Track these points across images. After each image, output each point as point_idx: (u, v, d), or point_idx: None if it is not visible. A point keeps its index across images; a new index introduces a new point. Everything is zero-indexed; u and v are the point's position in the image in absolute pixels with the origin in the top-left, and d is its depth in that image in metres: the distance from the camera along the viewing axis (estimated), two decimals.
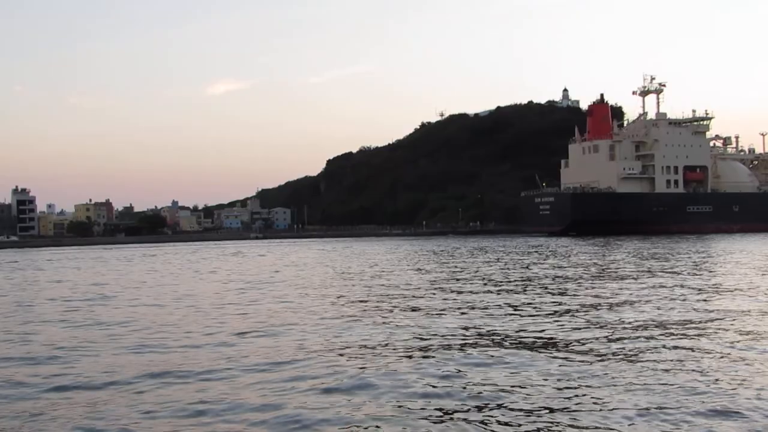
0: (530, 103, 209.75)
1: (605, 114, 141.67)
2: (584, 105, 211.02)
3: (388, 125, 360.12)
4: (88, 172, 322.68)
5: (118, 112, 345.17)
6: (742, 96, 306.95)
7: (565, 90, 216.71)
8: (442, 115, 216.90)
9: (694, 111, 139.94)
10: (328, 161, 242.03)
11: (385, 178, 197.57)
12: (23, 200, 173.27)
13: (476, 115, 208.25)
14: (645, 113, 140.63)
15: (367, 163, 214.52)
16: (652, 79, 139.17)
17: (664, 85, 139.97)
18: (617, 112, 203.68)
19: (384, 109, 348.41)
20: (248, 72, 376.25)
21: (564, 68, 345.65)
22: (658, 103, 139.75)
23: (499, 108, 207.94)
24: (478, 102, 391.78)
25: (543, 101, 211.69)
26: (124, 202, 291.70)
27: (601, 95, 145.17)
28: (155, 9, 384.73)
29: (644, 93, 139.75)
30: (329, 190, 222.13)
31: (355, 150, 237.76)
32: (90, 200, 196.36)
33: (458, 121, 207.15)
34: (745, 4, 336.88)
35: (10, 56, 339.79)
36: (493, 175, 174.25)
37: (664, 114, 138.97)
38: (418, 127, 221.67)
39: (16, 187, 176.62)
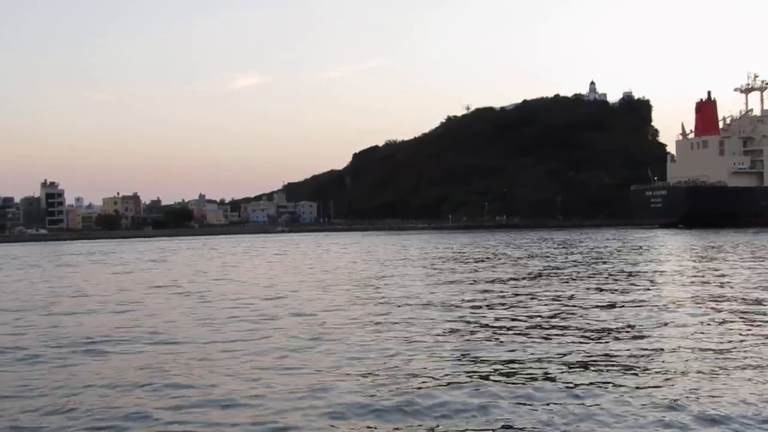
0: (557, 96, 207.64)
1: (713, 111, 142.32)
2: (612, 98, 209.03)
3: (415, 119, 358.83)
4: (116, 167, 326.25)
5: (145, 107, 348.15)
6: None
7: (592, 83, 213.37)
8: (468, 108, 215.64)
9: None
10: (354, 155, 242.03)
11: (411, 172, 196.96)
12: (52, 194, 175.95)
13: (503, 108, 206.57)
14: (750, 110, 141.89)
15: (393, 157, 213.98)
16: (756, 76, 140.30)
17: None
18: (645, 106, 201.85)
19: (410, 103, 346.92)
20: (271, 66, 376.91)
21: (591, 61, 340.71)
22: (762, 99, 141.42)
23: (525, 101, 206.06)
24: (505, 95, 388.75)
25: (570, 94, 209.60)
26: (152, 195, 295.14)
27: (708, 93, 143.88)
28: (178, 5, 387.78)
29: (747, 90, 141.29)
30: (355, 184, 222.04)
31: (381, 144, 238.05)
32: (118, 194, 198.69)
33: (484, 114, 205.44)
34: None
35: (35, 52, 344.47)
36: (519, 169, 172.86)
37: None
38: (444, 121, 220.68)
39: (45, 180, 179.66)
